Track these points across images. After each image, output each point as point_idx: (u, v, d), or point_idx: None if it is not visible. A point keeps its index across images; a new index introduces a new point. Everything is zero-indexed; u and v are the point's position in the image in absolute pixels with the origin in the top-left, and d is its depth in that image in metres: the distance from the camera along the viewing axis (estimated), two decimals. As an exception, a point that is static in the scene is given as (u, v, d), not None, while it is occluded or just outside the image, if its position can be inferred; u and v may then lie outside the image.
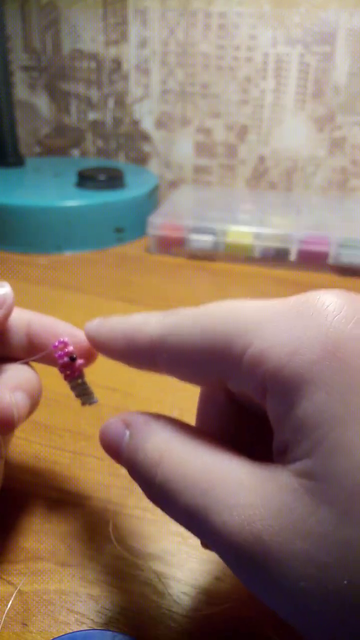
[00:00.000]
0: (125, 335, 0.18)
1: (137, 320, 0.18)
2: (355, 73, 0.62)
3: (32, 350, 0.23)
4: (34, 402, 0.22)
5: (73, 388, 0.22)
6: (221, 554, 0.14)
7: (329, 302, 0.14)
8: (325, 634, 0.12)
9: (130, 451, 0.17)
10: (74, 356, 0.22)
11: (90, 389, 0.23)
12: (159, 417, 0.17)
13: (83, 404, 0.23)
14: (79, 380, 0.22)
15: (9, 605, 0.21)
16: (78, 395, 0.23)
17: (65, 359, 0.22)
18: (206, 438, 0.16)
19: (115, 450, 0.17)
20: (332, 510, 0.12)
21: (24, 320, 0.23)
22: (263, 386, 0.14)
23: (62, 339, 0.22)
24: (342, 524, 0.12)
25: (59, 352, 0.22)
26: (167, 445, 0.16)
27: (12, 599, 0.21)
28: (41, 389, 0.23)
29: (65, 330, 0.23)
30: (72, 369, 0.22)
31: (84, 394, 0.23)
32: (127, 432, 0.17)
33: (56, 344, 0.22)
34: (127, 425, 0.17)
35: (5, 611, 0.20)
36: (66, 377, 0.22)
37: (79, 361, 0.22)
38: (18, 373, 0.22)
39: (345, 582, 0.12)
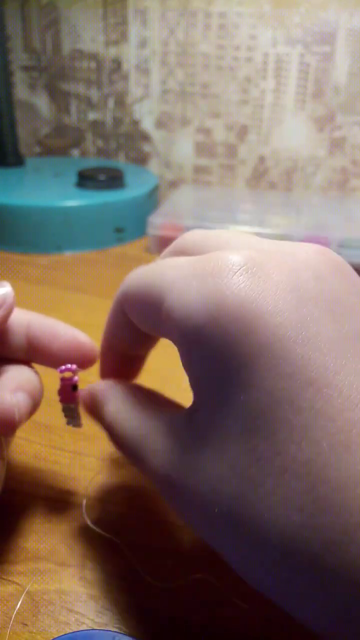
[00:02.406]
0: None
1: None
2: (355, 73, 0.62)
3: (31, 352, 0.23)
4: (36, 403, 0.22)
5: (64, 410, 0.23)
6: (156, 488, 0.18)
7: (226, 261, 0.15)
8: (225, 550, 0.15)
9: (95, 416, 0.21)
10: (76, 386, 0.22)
11: (79, 413, 0.23)
12: (115, 386, 0.21)
13: (68, 424, 0.23)
14: (72, 406, 0.22)
15: (17, 607, 0.21)
16: (66, 416, 0.23)
17: (68, 387, 0.22)
18: (150, 397, 0.20)
19: (87, 408, 0.22)
20: (210, 452, 0.15)
21: (24, 321, 0.23)
22: (174, 340, 0.17)
23: (69, 366, 0.22)
24: (216, 463, 0.15)
25: (63, 378, 0.22)
26: (117, 411, 0.20)
27: (21, 600, 0.21)
28: (42, 389, 0.23)
29: (66, 333, 0.23)
30: (70, 396, 0.22)
31: (72, 417, 0.23)
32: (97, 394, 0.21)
33: (63, 368, 0.22)
34: (93, 395, 0.21)
35: (15, 612, 0.20)
36: (61, 400, 0.22)
37: (80, 391, 0.22)
38: (19, 373, 0.22)
39: (216, 509, 0.15)
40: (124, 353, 0.23)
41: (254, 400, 0.14)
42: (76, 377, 0.22)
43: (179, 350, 0.16)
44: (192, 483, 0.15)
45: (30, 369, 0.23)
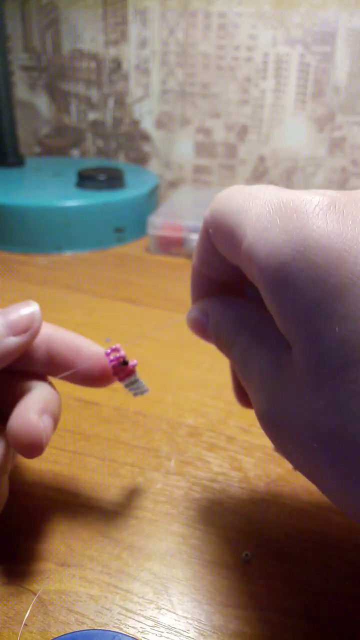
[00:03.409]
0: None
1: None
2: (355, 73, 0.62)
3: (52, 367, 0.23)
4: (57, 424, 0.22)
5: (126, 386, 0.24)
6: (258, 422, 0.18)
7: (310, 201, 0.15)
8: (323, 481, 0.16)
9: (212, 333, 0.21)
10: (126, 360, 0.23)
11: (142, 382, 0.24)
12: (230, 305, 0.20)
13: (135, 395, 0.24)
14: (132, 379, 0.23)
15: (18, 607, 0.21)
16: (130, 390, 0.24)
17: (117, 363, 0.23)
18: (259, 322, 0.19)
19: (201, 332, 0.21)
20: (307, 388, 0.15)
21: (44, 335, 0.23)
22: (253, 278, 0.16)
23: (113, 346, 0.23)
24: (314, 398, 0.15)
25: (112, 358, 0.23)
26: (237, 333, 0.19)
27: (21, 600, 0.21)
28: (61, 408, 0.23)
29: (89, 349, 0.23)
30: (125, 372, 0.23)
31: (136, 387, 0.24)
32: (209, 319, 0.21)
33: (108, 351, 0.23)
34: (207, 314, 0.21)
35: (15, 612, 0.20)
36: (120, 379, 0.23)
37: (131, 363, 0.23)
38: (43, 393, 0.22)
39: (314, 445, 0.15)
40: (213, 279, 0.21)
41: (351, 331, 0.14)
42: (122, 352, 0.23)
43: (261, 289, 0.16)
44: (290, 420, 0.16)
45: (51, 387, 0.23)
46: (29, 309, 0.21)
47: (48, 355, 0.23)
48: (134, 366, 0.23)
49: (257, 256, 0.16)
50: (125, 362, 0.23)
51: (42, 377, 0.23)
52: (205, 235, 0.20)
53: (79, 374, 0.23)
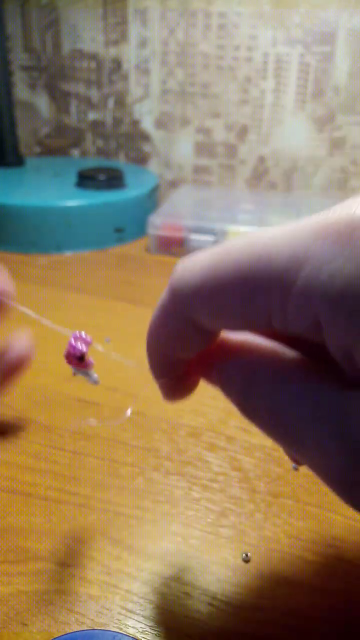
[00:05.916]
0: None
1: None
2: (355, 73, 0.62)
3: None
4: None
5: (74, 374, 0.23)
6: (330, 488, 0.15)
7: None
8: None
9: (245, 413, 0.18)
10: (83, 357, 0.22)
11: (93, 375, 0.23)
12: (260, 370, 0.17)
13: (89, 381, 0.23)
14: (83, 371, 0.22)
15: (17, 607, 0.21)
16: (82, 374, 0.23)
17: (74, 358, 0.22)
18: (295, 366, 0.16)
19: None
20: None
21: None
22: (317, 318, 0.13)
23: (84, 337, 0.21)
24: None
25: (73, 348, 0.21)
26: (276, 403, 0.16)
27: (21, 600, 0.21)
28: None
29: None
30: (77, 364, 0.22)
31: (86, 375, 0.23)
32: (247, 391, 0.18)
33: (76, 335, 0.21)
34: (248, 384, 0.18)
35: (15, 612, 0.20)
36: (73, 366, 0.22)
37: (88, 360, 0.22)
38: None
39: None
40: (177, 358, 0.19)
41: None
42: (84, 349, 0.21)
43: (327, 323, 0.13)
44: None
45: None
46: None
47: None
48: (89, 364, 0.22)
49: (328, 284, 0.13)
50: (81, 359, 0.21)
51: None
52: (176, 321, 0.17)
53: None
